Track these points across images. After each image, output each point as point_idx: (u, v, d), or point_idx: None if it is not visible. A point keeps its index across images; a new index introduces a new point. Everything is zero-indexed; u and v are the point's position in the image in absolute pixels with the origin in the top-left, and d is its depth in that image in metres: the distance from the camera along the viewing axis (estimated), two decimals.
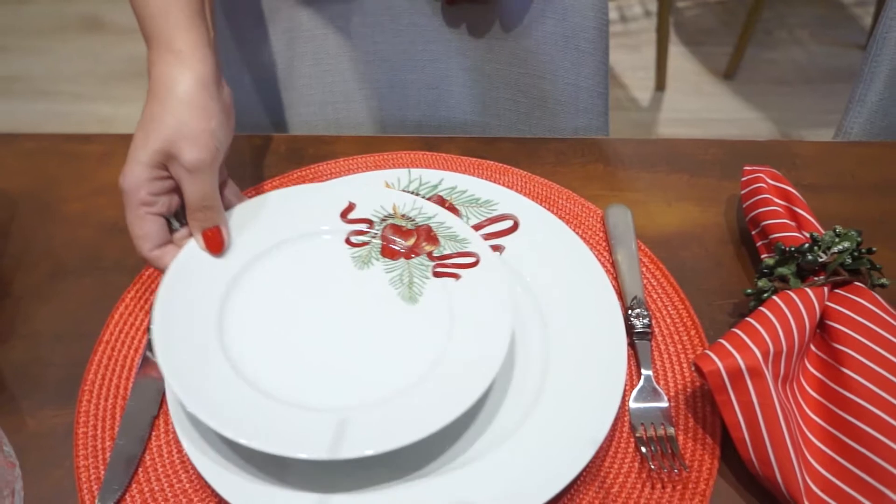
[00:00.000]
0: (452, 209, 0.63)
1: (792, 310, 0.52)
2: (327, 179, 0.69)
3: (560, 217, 0.64)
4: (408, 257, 0.61)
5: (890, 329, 0.51)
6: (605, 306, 0.57)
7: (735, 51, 2.09)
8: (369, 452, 0.46)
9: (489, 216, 0.64)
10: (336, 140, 0.74)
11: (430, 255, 0.60)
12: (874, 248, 0.55)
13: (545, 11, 0.79)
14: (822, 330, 0.54)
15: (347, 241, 0.61)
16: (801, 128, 1.96)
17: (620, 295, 0.60)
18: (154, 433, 0.53)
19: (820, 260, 0.54)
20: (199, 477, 0.49)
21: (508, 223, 0.63)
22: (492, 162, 0.70)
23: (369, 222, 0.62)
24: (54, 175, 0.72)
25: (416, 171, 0.67)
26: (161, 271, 0.54)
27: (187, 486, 0.50)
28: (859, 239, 0.55)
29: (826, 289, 0.54)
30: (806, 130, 1.95)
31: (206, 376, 0.50)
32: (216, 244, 0.56)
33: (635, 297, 0.58)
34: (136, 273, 0.62)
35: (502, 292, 0.56)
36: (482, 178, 0.67)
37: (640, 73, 2.14)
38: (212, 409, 0.47)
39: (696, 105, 2.06)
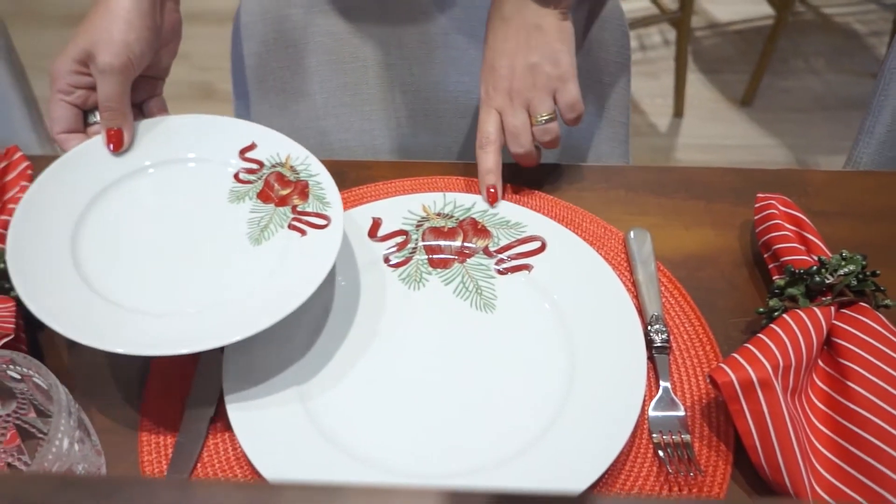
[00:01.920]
0: (485, 230, 0.65)
1: (801, 327, 0.53)
2: (368, 201, 0.69)
3: (584, 239, 0.65)
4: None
5: (892, 347, 0.52)
6: (626, 322, 0.58)
7: (752, 79, 2.07)
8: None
9: (519, 237, 0.65)
10: (374, 164, 0.75)
11: (294, 208, 0.61)
12: (878, 272, 0.57)
13: None
14: (829, 346, 0.55)
15: (235, 177, 0.63)
16: (816, 154, 1.94)
17: (641, 312, 0.61)
18: (211, 432, 0.54)
19: (827, 281, 0.55)
20: (253, 471, 0.51)
21: (536, 244, 0.65)
22: (520, 186, 0.72)
23: (260, 164, 0.64)
24: None
25: (451, 195, 0.68)
26: (63, 149, 0.61)
27: (242, 478, 0.51)
28: (864, 262, 0.56)
29: (833, 308, 0.55)
30: (821, 157, 1.93)
31: (53, 280, 0.53)
32: (116, 142, 0.62)
33: (654, 315, 0.60)
34: None
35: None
36: (512, 202, 0.69)
37: (658, 100, 2.13)
38: (50, 309, 0.50)
39: (714, 131, 2.04)
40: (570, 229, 0.66)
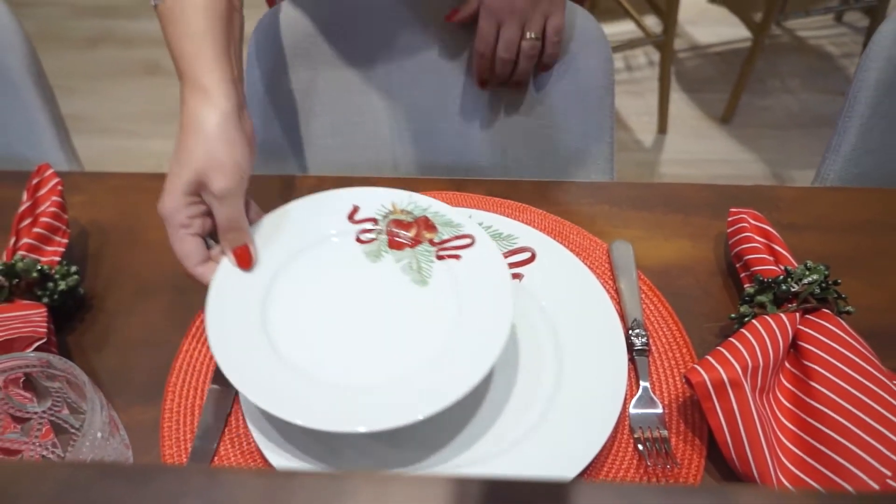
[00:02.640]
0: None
1: (768, 332, 0.54)
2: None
3: (571, 250, 0.66)
4: (412, 246, 0.62)
5: (852, 350, 0.54)
6: (609, 327, 0.60)
7: (731, 97, 2.08)
8: (381, 426, 0.48)
9: (510, 248, 0.66)
10: (379, 180, 0.75)
11: (431, 241, 0.62)
12: (839, 280, 0.58)
13: (560, 73, 0.82)
14: (795, 349, 0.56)
15: (358, 240, 0.62)
16: (791, 169, 1.95)
17: (622, 317, 0.62)
18: (227, 428, 0.56)
19: (793, 290, 0.57)
20: (266, 465, 0.52)
21: (527, 255, 0.66)
22: (512, 202, 0.73)
23: (374, 220, 0.63)
24: (138, 208, 0.74)
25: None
26: (205, 284, 0.56)
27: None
28: (826, 272, 0.57)
29: (798, 314, 0.56)
30: (795, 171, 1.94)
31: (257, 368, 0.52)
32: (245, 260, 0.58)
33: (635, 320, 0.61)
34: (206, 293, 0.61)
35: (499, 266, 0.58)
36: (504, 216, 0.69)
37: (643, 118, 2.14)
38: (263, 395, 0.50)
39: (695, 147, 2.05)
40: (557, 241, 0.67)
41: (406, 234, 0.63)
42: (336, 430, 0.48)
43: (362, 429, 0.48)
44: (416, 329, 0.56)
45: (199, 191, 0.56)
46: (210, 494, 0.24)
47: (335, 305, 0.58)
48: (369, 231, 0.63)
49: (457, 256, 0.60)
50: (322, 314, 0.57)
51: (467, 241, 0.61)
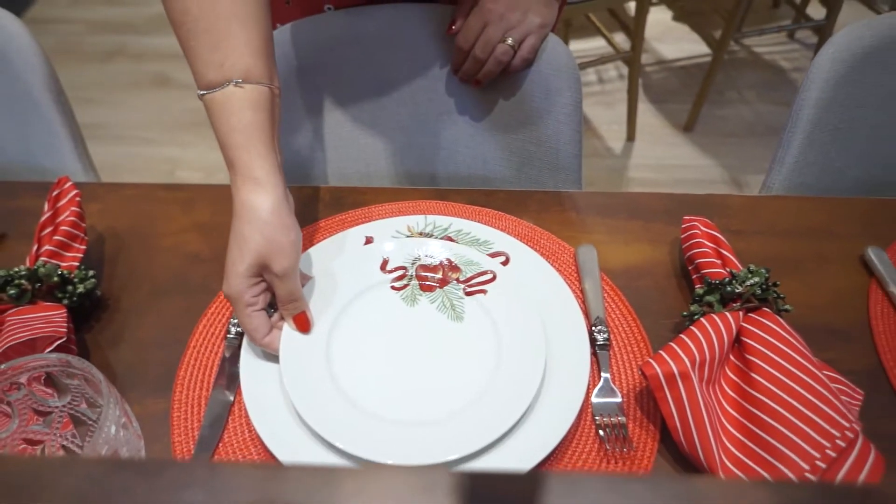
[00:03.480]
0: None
1: (715, 329, 0.56)
2: (362, 222, 0.72)
3: (541, 254, 0.67)
4: (441, 286, 0.64)
5: (788, 345, 0.55)
6: (574, 323, 0.61)
7: (693, 108, 2.10)
8: (450, 458, 0.50)
9: (487, 252, 0.67)
10: (368, 190, 0.77)
11: (457, 280, 0.64)
12: (778, 283, 0.59)
13: (532, 91, 0.83)
14: (738, 344, 0.57)
15: (392, 288, 0.64)
16: (746, 173, 1.96)
17: (587, 315, 0.63)
18: (231, 418, 0.56)
19: (737, 291, 0.58)
20: (266, 451, 0.53)
21: (502, 258, 0.67)
22: (490, 210, 0.74)
23: (403, 268, 0.66)
24: (151, 216, 0.75)
25: (430, 217, 0.71)
26: (274, 351, 0.57)
27: (256, 456, 0.53)
28: (767, 275, 0.58)
29: (741, 313, 0.57)
30: (751, 176, 1.95)
31: (323, 406, 0.54)
32: (304, 325, 0.59)
33: (598, 317, 0.62)
34: (215, 294, 0.66)
35: (522, 295, 0.61)
36: (482, 223, 0.70)
37: (613, 126, 2.15)
38: (326, 426, 0.52)
39: (660, 153, 2.06)
40: (529, 246, 0.68)
41: (434, 275, 0.65)
42: (385, 462, 0.50)
43: (412, 461, 0.50)
44: (462, 363, 0.58)
45: (260, 272, 0.56)
46: (212, 485, 0.25)
47: (388, 349, 0.60)
48: (401, 278, 0.65)
49: (483, 291, 0.63)
50: (378, 359, 0.59)
51: (489, 276, 0.64)
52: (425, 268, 0.65)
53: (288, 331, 0.59)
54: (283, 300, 0.58)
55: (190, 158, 2.10)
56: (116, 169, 2.07)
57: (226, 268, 0.56)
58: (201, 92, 0.57)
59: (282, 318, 0.60)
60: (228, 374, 0.59)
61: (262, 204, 0.55)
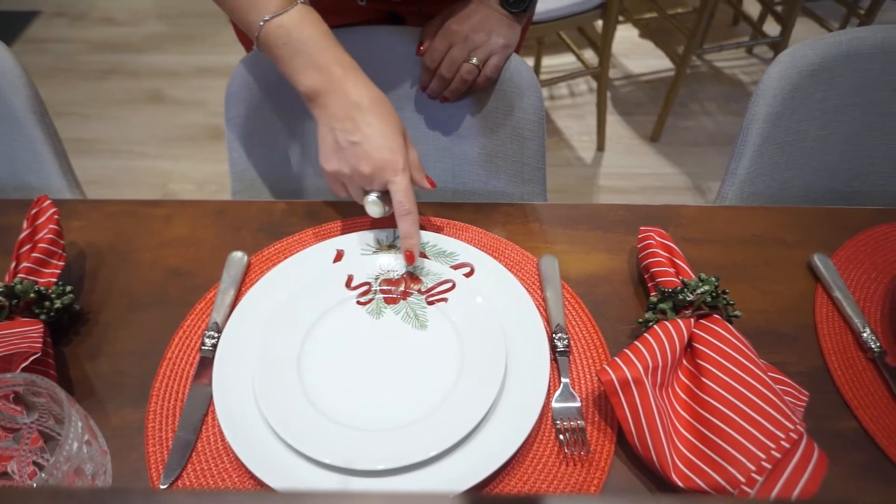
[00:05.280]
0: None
1: (667, 335, 0.55)
2: (334, 235, 0.70)
3: (505, 264, 0.67)
4: (404, 298, 0.63)
5: (736, 349, 0.54)
6: (535, 331, 0.60)
7: (658, 119, 2.10)
8: (417, 459, 0.50)
9: (453, 263, 0.66)
10: (342, 204, 0.75)
11: (419, 290, 0.63)
12: (727, 290, 0.59)
13: (497, 108, 0.82)
14: (690, 350, 0.57)
15: (358, 303, 0.64)
16: (708, 181, 1.97)
17: (548, 322, 0.62)
18: (204, 427, 0.55)
19: (688, 299, 0.57)
20: (237, 460, 0.52)
21: (467, 269, 0.66)
22: (457, 222, 0.73)
23: (367, 284, 0.65)
24: (130, 231, 0.73)
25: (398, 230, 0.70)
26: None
27: (228, 466, 0.52)
28: (717, 283, 0.58)
29: (693, 320, 0.57)
30: (712, 182, 1.96)
31: (294, 417, 0.53)
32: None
33: (558, 325, 0.61)
34: (190, 307, 0.64)
35: (483, 303, 0.60)
36: (448, 236, 0.70)
37: (584, 137, 2.15)
38: (298, 438, 0.51)
39: (628, 162, 2.07)
40: (493, 256, 0.67)
41: (397, 289, 0.64)
42: (357, 468, 0.50)
43: (381, 466, 0.50)
44: (427, 370, 0.58)
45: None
46: None
47: (356, 361, 0.59)
48: (366, 293, 0.64)
49: (444, 299, 0.63)
50: (347, 371, 0.58)
51: (449, 284, 0.63)
52: (388, 282, 0.65)
53: (260, 346, 0.58)
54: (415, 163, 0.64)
55: (182, 171, 2.08)
56: (112, 182, 2.04)
57: (384, 145, 0.61)
58: (268, 16, 0.61)
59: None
60: (202, 385, 0.58)
61: (381, 93, 0.62)
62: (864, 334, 0.60)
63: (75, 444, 0.39)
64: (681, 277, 0.61)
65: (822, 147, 0.84)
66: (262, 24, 0.62)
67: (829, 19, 2.26)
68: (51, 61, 2.56)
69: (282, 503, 0.25)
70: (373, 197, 0.64)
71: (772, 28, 2.33)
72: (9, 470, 0.46)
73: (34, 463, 0.47)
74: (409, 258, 0.63)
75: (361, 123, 0.61)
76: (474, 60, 0.75)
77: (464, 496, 0.24)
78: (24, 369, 0.50)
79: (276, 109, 0.86)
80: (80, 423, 0.40)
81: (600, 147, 2.12)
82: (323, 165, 0.64)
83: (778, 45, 2.08)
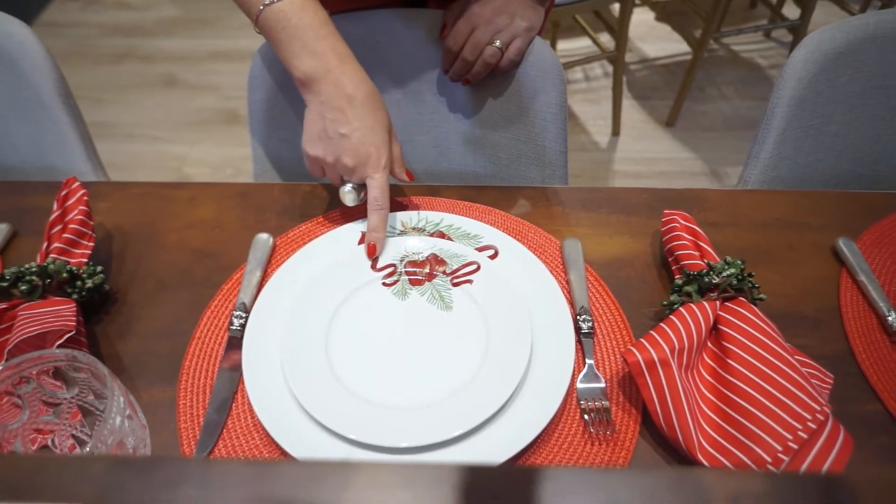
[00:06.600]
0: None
1: (693, 318, 0.55)
2: (361, 217, 0.70)
3: (528, 247, 0.67)
4: (430, 280, 0.64)
5: (762, 332, 0.54)
6: (559, 313, 0.60)
7: (674, 104, 2.09)
8: (442, 438, 0.50)
9: (477, 246, 0.67)
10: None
11: (444, 272, 0.64)
12: (753, 273, 0.59)
13: (519, 92, 0.82)
14: (715, 332, 0.57)
15: (384, 284, 0.64)
16: (725, 166, 1.96)
17: (572, 304, 0.62)
18: (234, 405, 0.56)
19: (714, 281, 0.57)
20: (267, 437, 0.53)
21: (491, 251, 0.66)
22: (480, 205, 0.73)
23: (393, 266, 0.65)
24: (155, 213, 0.74)
25: (423, 213, 0.70)
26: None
27: (259, 443, 0.53)
28: (742, 266, 0.58)
29: (718, 302, 0.57)
30: (730, 168, 1.94)
31: (322, 394, 0.54)
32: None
33: (582, 307, 0.61)
34: (218, 287, 0.65)
35: (508, 284, 0.61)
36: (472, 218, 0.70)
37: (599, 122, 2.14)
38: (326, 414, 0.52)
39: (644, 147, 2.05)
40: (517, 239, 0.68)
41: (422, 270, 0.64)
42: (383, 445, 0.50)
43: (405, 444, 0.50)
44: (452, 350, 0.58)
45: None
46: (205, 481, 0.25)
47: (382, 340, 0.59)
48: (391, 275, 0.64)
49: (469, 281, 0.63)
50: (373, 350, 0.59)
51: (474, 266, 0.64)
52: (413, 263, 0.65)
53: (288, 326, 0.59)
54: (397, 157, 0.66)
55: (197, 155, 2.08)
56: (127, 166, 2.05)
57: (371, 141, 0.62)
58: (269, 1, 0.62)
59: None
60: (231, 364, 0.59)
61: (373, 87, 0.63)
62: (890, 318, 0.60)
63: (118, 419, 0.40)
64: (706, 260, 0.61)
65: (847, 131, 0.84)
66: (262, 7, 0.62)
67: (850, 2, 2.22)
68: (65, 45, 2.57)
69: (328, 471, 0.26)
70: (349, 187, 0.66)
71: (791, 11, 2.30)
72: (49, 444, 0.47)
73: (73, 436, 0.48)
74: (371, 250, 0.64)
75: (352, 116, 0.62)
76: (497, 43, 0.75)
77: (446, 466, 0.25)
78: (59, 347, 0.51)
79: (297, 93, 0.85)
80: (121, 398, 0.41)
81: (615, 132, 2.10)
82: (305, 148, 0.65)
83: (797, 29, 2.06)
